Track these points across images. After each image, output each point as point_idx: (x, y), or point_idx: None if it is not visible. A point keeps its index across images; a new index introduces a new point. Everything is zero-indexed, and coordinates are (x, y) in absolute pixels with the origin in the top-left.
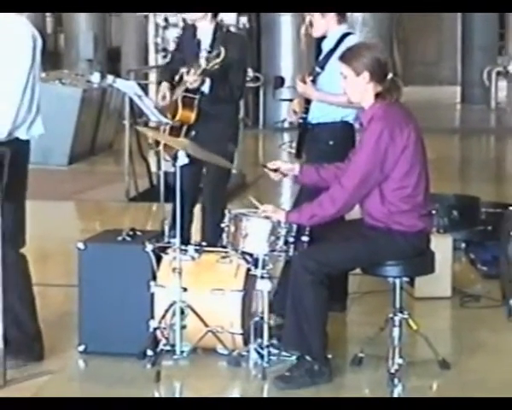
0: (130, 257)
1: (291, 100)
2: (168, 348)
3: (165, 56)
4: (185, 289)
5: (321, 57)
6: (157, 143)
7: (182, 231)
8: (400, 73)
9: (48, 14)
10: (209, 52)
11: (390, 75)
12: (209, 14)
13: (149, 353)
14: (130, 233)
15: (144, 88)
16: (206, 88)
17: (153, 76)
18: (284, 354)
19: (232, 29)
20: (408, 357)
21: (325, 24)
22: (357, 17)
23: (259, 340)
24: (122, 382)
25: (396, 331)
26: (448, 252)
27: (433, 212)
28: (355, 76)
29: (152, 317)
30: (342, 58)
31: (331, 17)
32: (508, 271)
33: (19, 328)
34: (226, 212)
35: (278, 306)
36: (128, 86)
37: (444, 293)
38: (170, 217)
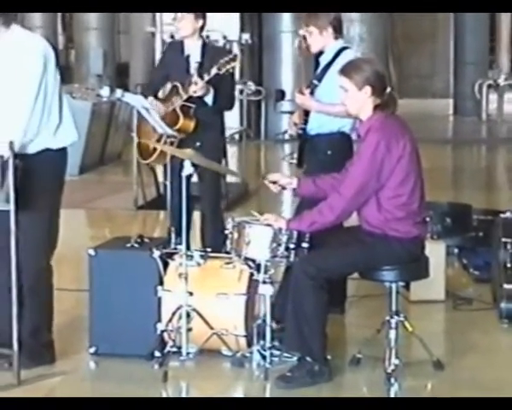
0: (139, 263)
1: (291, 112)
2: (175, 349)
3: None
4: (191, 294)
5: (318, 71)
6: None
7: (187, 238)
8: (395, 86)
9: (60, 31)
10: (202, 62)
11: (388, 89)
12: (197, 32)
13: (157, 354)
14: (139, 240)
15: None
16: (209, 99)
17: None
18: (286, 355)
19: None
20: (404, 358)
21: (323, 39)
22: (354, 34)
23: (262, 342)
24: (131, 382)
25: (392, 333)
26: (442, 257)
27: (428, 219)
28: (357, 90)
29: (159, 320)
30: (343, 72)
31: (329, 33)
32: (498, 275)
33: (34, 336)
34: (230, 219)
35: (279, 310)
36: (136, 100)
37: (438, 296)
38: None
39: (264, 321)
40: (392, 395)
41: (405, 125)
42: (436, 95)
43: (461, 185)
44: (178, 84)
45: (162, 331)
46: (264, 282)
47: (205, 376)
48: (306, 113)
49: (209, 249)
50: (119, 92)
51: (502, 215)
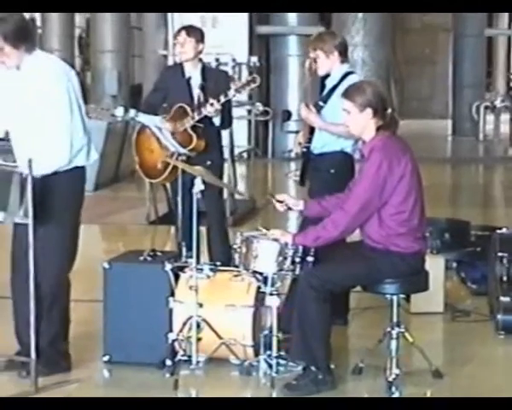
0: (151, 275)
1: (297, 132)
2: (185, 358)
3: None
4: (201, 305)
5: (324, 93)
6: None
7: (189, 249)
8: (397, 107)
9: (76, 53)
10: (204, 84)
11: (389, 110)
12: (197, 55)
13: (168, 363)
14: (151, 254)
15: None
16: (217, 120)
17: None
18: (291, 364)
19: (244, 67)
20: (404, 367)
21: (329, 63)
22: (357, 57)
23: (269, 351)
24: (143, 389)
25: (393, 344)
26: (441, 271)
27: (427, 234)
28: (359, 112)
29: (170, 330)
30: (346, 95)
31: (335, 57)
32: (495, 288)
33: (52, 345)
34: (238, 234)
35: (285, 321)
36: (149, 119)
37: (437, 308)
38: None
39: (271, 331)
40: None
41: (406, 145)
42: (435, 116)
43: (459, 202)
44: (185, 106)
45: (173, 341)
46: (271, 294)
47: (214, 384)
48: (311, 132)
49: (218, 263)
50: (132, 112)
51: (498, 231)
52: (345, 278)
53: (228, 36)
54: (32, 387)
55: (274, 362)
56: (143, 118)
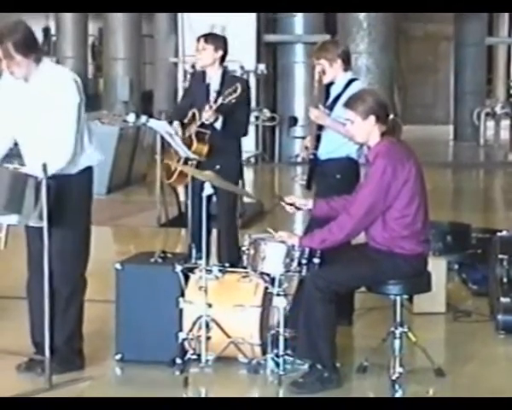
0: (162, 276)
1: (303, 137)
2: (195, 357)
3: None
4: (210, 305)
5: (329, 101)
6: (168, 177)
7: (198, 250)
8: (400, 114)
9: (89, 61)
10: (220, 90)
11: (391, 115)
12: (217, 60)
13: (178, 361)
14: (162, 255)
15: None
16: (218, 124)
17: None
18: (298, 362)
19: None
20: (407, 366)
21: (333, 71)
22: (361, 65)
23: (276, 350)
24: (154, 387)
25: (397, 343)
26: (443, 273)
27: (430, 237)
28: (362, 120)
29: (180, 329)
30: (348, 105)
31: (339, 65)
32: (496, 289)
33: (68, 343)
34: (246, 236)
35: (292, 320)
36: (160, 125)
37: (439, 309)
38: (190, 239)
39: (278, 331)
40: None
41: (410, 150)
42: (438, 122)
43: (460, 206)
44: (196, 112)
45: (183, 340)
46: (278, 294)
47: (222, 381)
48: (317, 139)
49: (227, 264)
50: (143, 118)
51: (499, 234)
52: (350, 279)
53: (236, 44)
54: (47, 384)
55: (281, 361)
56: (154, 124)
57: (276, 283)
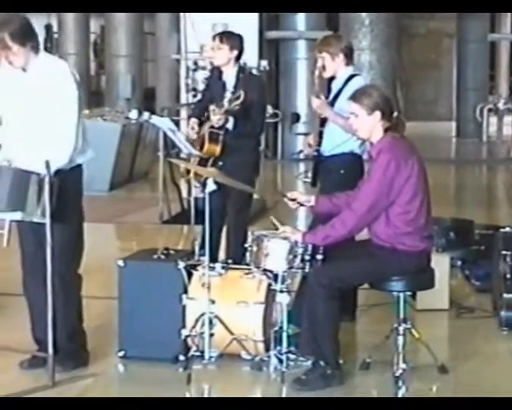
0: (165, 273)
1: (306, 134)
2: (198, 353)
3: (194, 95)
4: (213, 302)
5: (331, 96)
6: (188, 172)
7: (210, 251)
8: (402, 110)
9: (91, 58)
10: (232, 93)
11: (396, 113)
12: (232, 59)
13: (181, 358)
14: (164, 252)
15: (177, 123)
16: (230, 125)
17: (184, 113)
18: (301, 359)
19: (254, 71)
20: (411, 362)
21: (335, 66)
22: (364, 61)
23: (279, 347)
24: (157, 383)
25: (400, 339)
26: (446, 269)
27: (432, 233)
28: (367, 115)
29: (183, 326)
30: (354, 98)
31: (341, 60)
32: (499, 285)
33: (72, 339)
34: (249, 233)
35: (295, 317)
36: (162, 122)
37: (442, 305)
38: (200, 238)
39: (281, 328)
40: (399, 397)
41: (413, 147)
42: (440, 118)
43: (463, 202)
44: (211, 111)
45: (186, 337)
46: (281, 291)
47: (226, 378)
48: (320, 135)
49: (230, 261)
50: (146, 115)
51: (502, 230)
52: (353, 275)
53: None
54: (50, 381)
55: (284, 357)
56: (156, 120)
57: (279, 279)
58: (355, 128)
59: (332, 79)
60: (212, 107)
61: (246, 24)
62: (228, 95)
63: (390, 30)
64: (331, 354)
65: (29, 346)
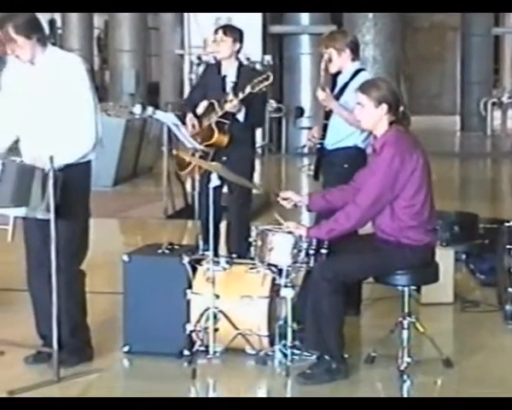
0: (169, 268)
1: (310, 128)
2: (202, 348)
3: None
4: (218, 297)
5: (336, 90)
6: (182, 167)
7: (215, 245)
8: (407, 104)
9: (95, 53)
10: (237, 82)
11: (402, 107)
12: (234, 52)
13: (186, 353)
14: (169, 247)
15: (181, 118)
16: (241, 116)
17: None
18: (305, 353)
19: (258, 66)
20: (415, 356)
21: (341, 61)
22: (368, 55)
23: (284, 341)
24: (162, 378)
25: (405, 333)
26: (450, 263)
27: (437, 227)
28: (374, 107)
29: (188, 321)
30: (362, 89)
31: (347, 55)
32: (503, 279)
33: (76, 335)
34: (253, 228)
35: (299, 311)
36: (166, 117)
37: (447, 299)
38: (200, 232)
39: (286, 322)
40: (404, 391)
41: (417, 140)
42: (444, 112)
43: (468, 196)
44: (215, 102)
45: (191, 331)
46: (286, 286)
47: (230, 373)
48: (324, 128)
49: (234, 256)
50: (150, 110)
51: (506, 224)
52: (357, 269)
53: None
54: (55, 377)
55: (289, 352)
56: (160, 115)
57: (284, 274)
58: (359, 119)
59: (337, 74)
60: (205, 102)
61: (249, 18)
62: (230, 85)
63: (394, 24)
64: (336, 348)
65: (34, 341)
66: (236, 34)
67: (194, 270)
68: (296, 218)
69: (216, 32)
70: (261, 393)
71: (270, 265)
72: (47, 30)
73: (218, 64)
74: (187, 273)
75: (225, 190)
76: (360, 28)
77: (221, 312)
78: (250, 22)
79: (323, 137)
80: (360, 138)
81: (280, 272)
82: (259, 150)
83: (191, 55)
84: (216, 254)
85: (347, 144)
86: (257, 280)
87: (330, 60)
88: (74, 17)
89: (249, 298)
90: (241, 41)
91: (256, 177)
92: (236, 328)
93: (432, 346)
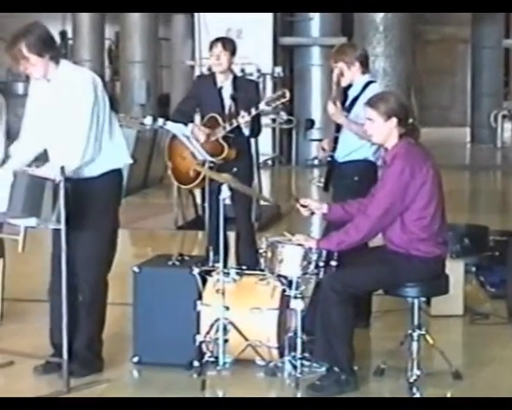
0: (179, 279)
1: (320, 140)
2: (212, 359)
3: None
4: (227, 308)
5: (347, 103)
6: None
7: (224, 256)
8: (417, 116)
9: (106, 64)
10: (235, 94)
11: (411, 119)
12: (230, 66)
13: (196, 364)
14: (179, 258)
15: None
16: (247, 131)
17: (197, 119)
18: (315, 365)
19: (269, 77)
20: (425, 368)
21: (351, 74)
22: (379, 67)
23: (293, 353)
24: (171, 389)
25: (414, 345)
26: (460, 275)
27: (447, 239)
28: (383, 121)
29: (198, 332)
30: (370, 103)
31: (357, 68)
32: None
33: (89, 347)
34: (263, 239)
35: (309, 323)
36: (177, 128)
37: (456, 311)
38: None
39: (296, 334)
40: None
41: (427, 153)
42: (455, 124)
43: (478, 208)
44: (217, 116)
45: (201, 343)
46: (296, 297)
47: (240, 384)
48: (335, 141)
49: (244, 267)
50: (160, 121)
51: None
52: (367, 281)
53: (253, 47)
54: (64, 387)
55: (298, 363)
56: (171, 126)
57: (294, 285)
58: (370, 133)
59: (348, 87)
60: (197, 115)
61: (260, 30)
62: (227, 98)
63: (404, 36)
64: (345, 359)
65: (44, 352)
66: (233, 46)
67: (205, 281)
68: (306, 230)
69: (215, 44)
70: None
71: (279, 276)
72: (57, 42)
73: (213, 75)
74: (197, 284)
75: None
76: (370, 40)
77: (231, 323)
78: (261, 34)
79: (334, 149)
80: (370, 151)
81: (290, 283)
82: (270, 162)
83: (202, 66)
84: (225, 265)
85: (358, 157)
86: (267, 292)
87: (342, 74)
88: (85, 28)
89: (259, 309)
90: (235, 53)
91: (266, 188)
92: (246, 339)
93: (441, 358)
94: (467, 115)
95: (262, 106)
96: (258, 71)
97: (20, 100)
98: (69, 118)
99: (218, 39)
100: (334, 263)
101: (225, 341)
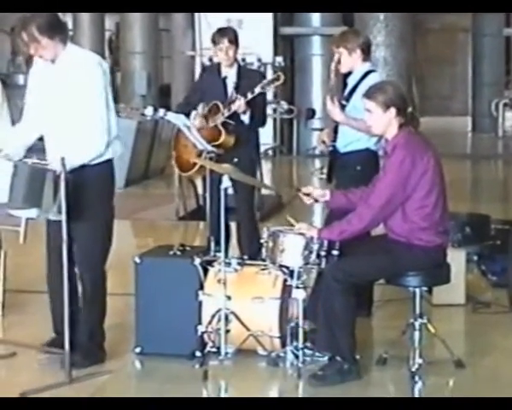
0: (181, 269)
1: (321, 129)
2: (214, 350)
3: None
4: (229, 298)
5: (346, 91)
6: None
7: (226, 246)
8: (418, 105)
9: (107, 54)
10: (238, 83)
11: (410, 108)
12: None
13: (197, 354)
14: (180, 248)
15: None
16: (246, 118)
17: (200, 109)
18: (317, 355)
19: (269, 67)
20: (427, 357)
21: (351, 61)
22: (379, 57)
23: (295, 342)
24: (173, 380)
25: (416, 335)
26: (462, 264)
27: (449, 228)
28: (382, 112)
29: (200, 322)
30: (368, 95)
31: (358, 55)
32: None
33: (91, 338)
34: (265, 229)
35: (311, 313)
36: (178, 118)
37: (458, 300)
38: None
39: (297, 323)
40: (416, 392)
41: (428, 142)
42: (456, 113)
43: (479, 197)
44: (219, 103)
45: (202, 333)
46: (297, 287)
47: (242, 374)
48: (335, 131)
49: (246, 257)
50: (161, 111)
51: None
52: (369, 271)
53: (253, 37)
54: (67, 378)
55: (300, 353)
56: (172, 117)
57: (295, 275)
58: (369, 125)
59: (348, 74)
60: (200, 106)
61: (260, 20)
62: (230, 86)
63: (404, 25)
64: (347, 349)
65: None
66: (237, 38)
67: (206, 271)
68: (308, 219)
69: (221, 39)
70: (273, 394)
71: (281, 266)
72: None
73: (218, 66)
74: (198, 275)
75: (230, 191)
76: (371, 29)
77: (233, 313)
78: (261, 24)
79: (335, 139)
80: (372, 141)
81: (291, 273)
82: (271, 152)
83: (202, 56)
84: (227, 255)
85: (359, 147)
86: (268, 281)
87: (339, 61)
88: (86, 19)
89: (261, 299)
90: (238, 46)
91: (267, 178)
92: (248, 329)
93: (443, 347)
94: (468, 104)
95: (257, 90)
96: (259, 61)
97: (21, 91)
98: (78, 100)
99: (223, 34)
100: (335, 253)
101: (227, 331)
